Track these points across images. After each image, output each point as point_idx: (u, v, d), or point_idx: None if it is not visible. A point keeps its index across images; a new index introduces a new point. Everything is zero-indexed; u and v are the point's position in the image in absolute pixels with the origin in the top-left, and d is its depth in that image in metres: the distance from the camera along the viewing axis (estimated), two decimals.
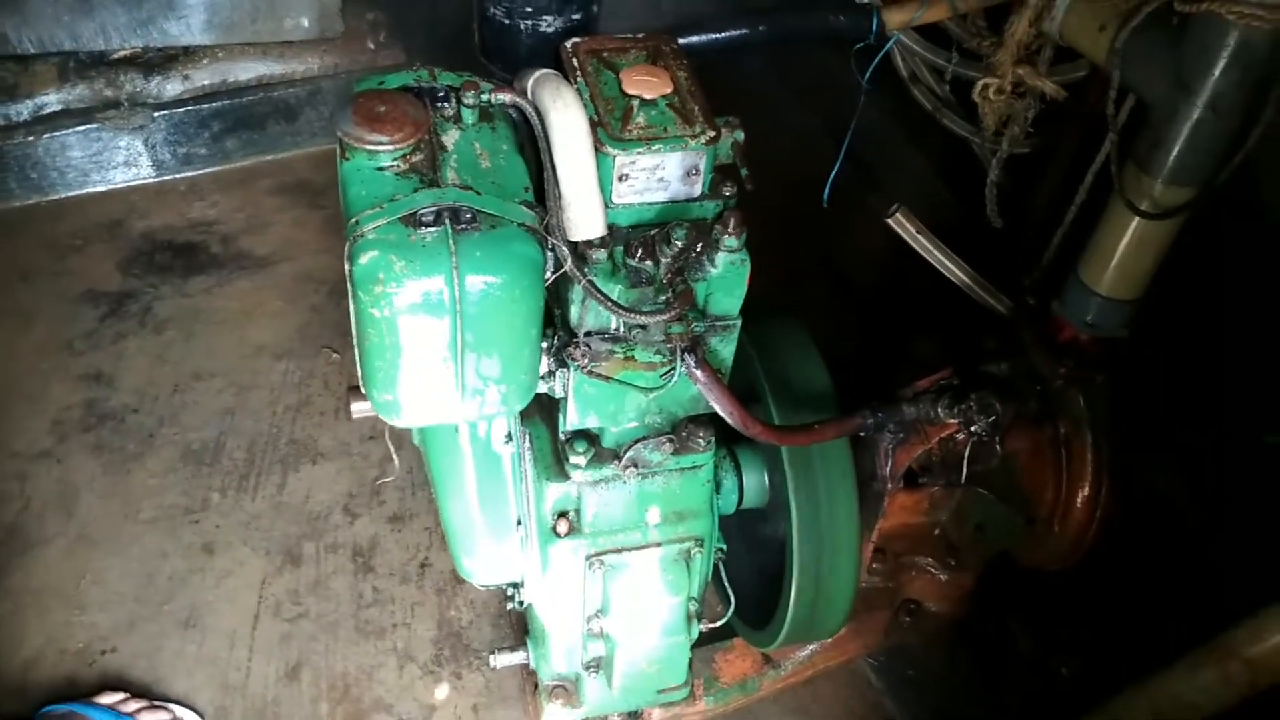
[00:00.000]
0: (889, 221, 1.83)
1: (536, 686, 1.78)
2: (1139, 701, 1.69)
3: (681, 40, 1.42)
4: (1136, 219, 1.57)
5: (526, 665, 1.80)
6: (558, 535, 1.48)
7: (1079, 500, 1.72)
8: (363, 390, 1.25)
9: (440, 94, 1.27)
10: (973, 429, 1.64)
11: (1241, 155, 1.48)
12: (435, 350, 1.17)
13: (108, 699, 1.95)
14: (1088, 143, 1.80)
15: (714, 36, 1.57)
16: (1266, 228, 1.70)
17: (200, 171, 3.25)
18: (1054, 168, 2.07)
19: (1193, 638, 1.55)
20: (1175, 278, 1.67)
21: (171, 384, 2.61)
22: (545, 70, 1.27)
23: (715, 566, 1.64)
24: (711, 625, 1.69)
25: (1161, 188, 1.52)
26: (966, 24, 1.90)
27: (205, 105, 3.21)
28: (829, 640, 1.91)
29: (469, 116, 1.26)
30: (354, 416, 1.42)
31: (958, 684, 2.04)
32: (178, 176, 3.23)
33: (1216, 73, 1.41)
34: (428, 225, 1.12)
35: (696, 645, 1.66)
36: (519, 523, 1.58)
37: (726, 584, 1.70)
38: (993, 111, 1.85)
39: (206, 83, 3.21)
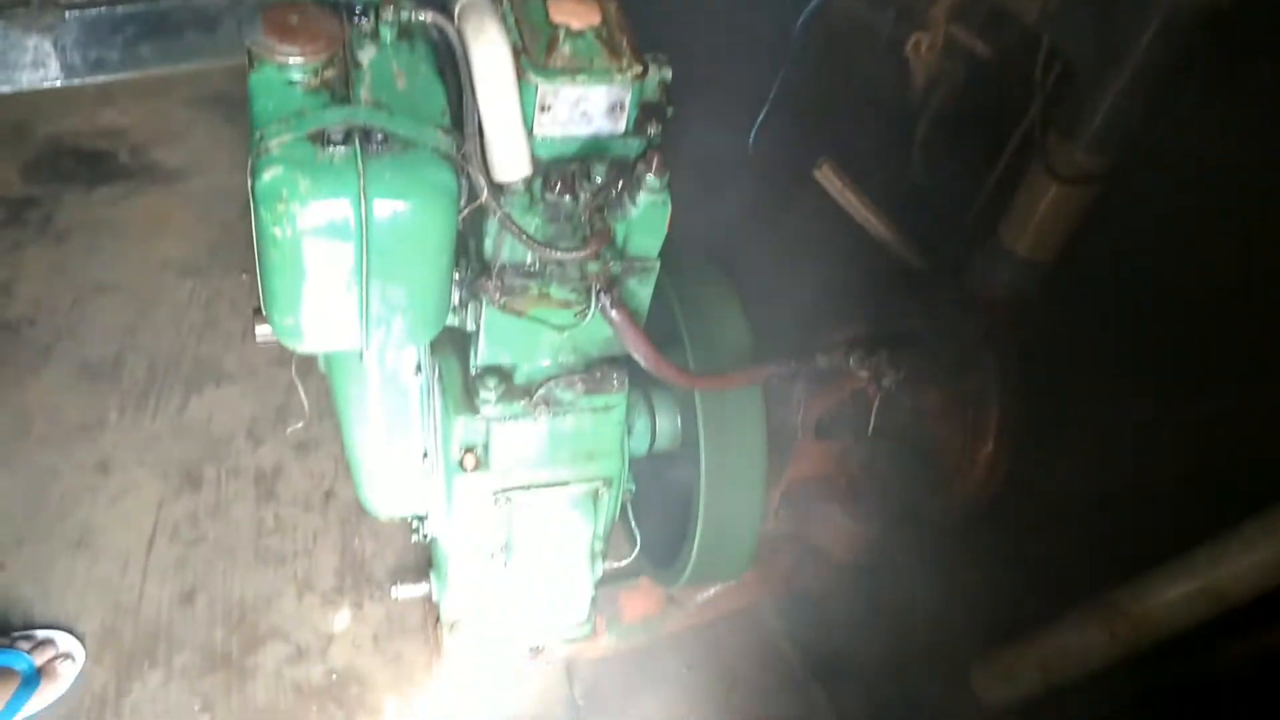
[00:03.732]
0: (816, 175, 1.83)
1: (439, 619, 1.77)
2: (1028, 654, 1.75)
3: None
4: (1056, 183, 1.58)
5: (429, 598, 1.80)
6: (465, 470, 1.46)
7: (982, 456, 1.75)
8: (264, 313, 1.21)
9: (358, 9, 1.21)
10: (883, 382, 1.65)
11: (1161, 126, 1.50)
12: (339, 275, 1.13)
13: None
14: (1014, 108, 1.81)
15: None
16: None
17: (112, 77, 3.10)
18: (980, 131, 2.08)
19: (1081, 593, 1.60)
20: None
21: (71, 296, 2.51)
22: None
23: (623, 506, 1.64)
24: (617, 564, 1.70)
25: (1083, 154, 1.54)
26: None
27: (120, 8, 3.05)
28: (733, 583, 1.94)
29: (387, 34, 1.20)
30: (258, 340, 1.38)
31: (856, 630, 2.08)
32: (88, 81, 3.08)
33: (1145, 41, 1.42)
34: (336, 144, 1.07)
35: (601, 583, 1.67)
36: (425, 455, 1.56)
37: (634, 524, 1.70)
38: (924, 68, 1.84)
39: None
